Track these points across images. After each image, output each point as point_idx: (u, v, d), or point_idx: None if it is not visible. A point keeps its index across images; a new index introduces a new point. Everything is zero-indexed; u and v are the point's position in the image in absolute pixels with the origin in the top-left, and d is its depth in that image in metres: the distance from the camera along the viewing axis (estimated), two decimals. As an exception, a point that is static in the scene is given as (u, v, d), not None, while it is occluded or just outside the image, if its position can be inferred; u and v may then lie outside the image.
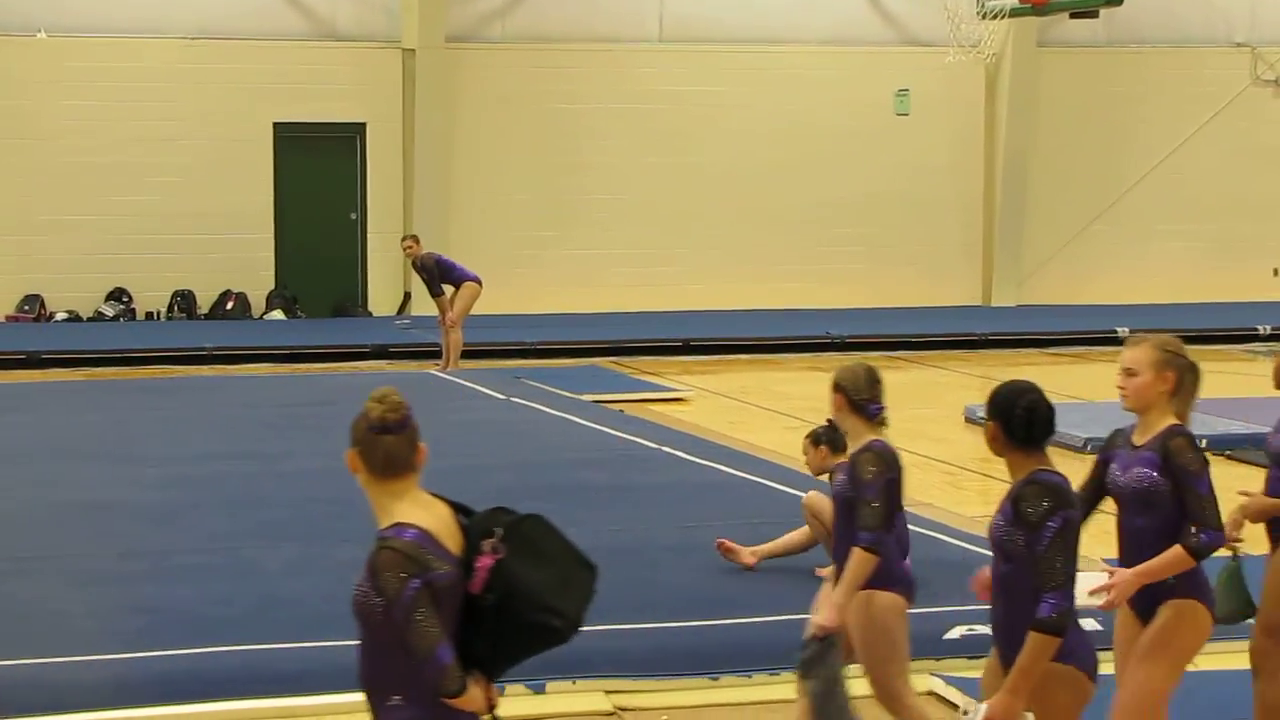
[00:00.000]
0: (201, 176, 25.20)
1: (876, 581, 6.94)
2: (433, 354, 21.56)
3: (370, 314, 26.16)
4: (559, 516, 11.74)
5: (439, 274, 20.34)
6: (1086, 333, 24.43)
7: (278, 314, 25.67)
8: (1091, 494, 6.48)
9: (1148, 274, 28.17)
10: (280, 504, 12.66)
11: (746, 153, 26.96)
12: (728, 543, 10.66)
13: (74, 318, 25.09)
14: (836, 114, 27.23)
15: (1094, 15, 24.83)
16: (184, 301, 25.49)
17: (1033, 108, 27.95)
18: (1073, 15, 24.83)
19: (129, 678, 8.53)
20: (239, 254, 25.56)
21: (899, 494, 7.02)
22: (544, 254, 26.35)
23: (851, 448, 7.08)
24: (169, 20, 25.25)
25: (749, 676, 8.69)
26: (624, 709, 8.58)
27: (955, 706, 8.11)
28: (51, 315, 25.05)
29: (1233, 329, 24.76)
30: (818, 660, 6.93)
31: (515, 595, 4.91)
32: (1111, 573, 6.26)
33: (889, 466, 6.94)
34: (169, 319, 25.44)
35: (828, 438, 10.26)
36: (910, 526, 11.06)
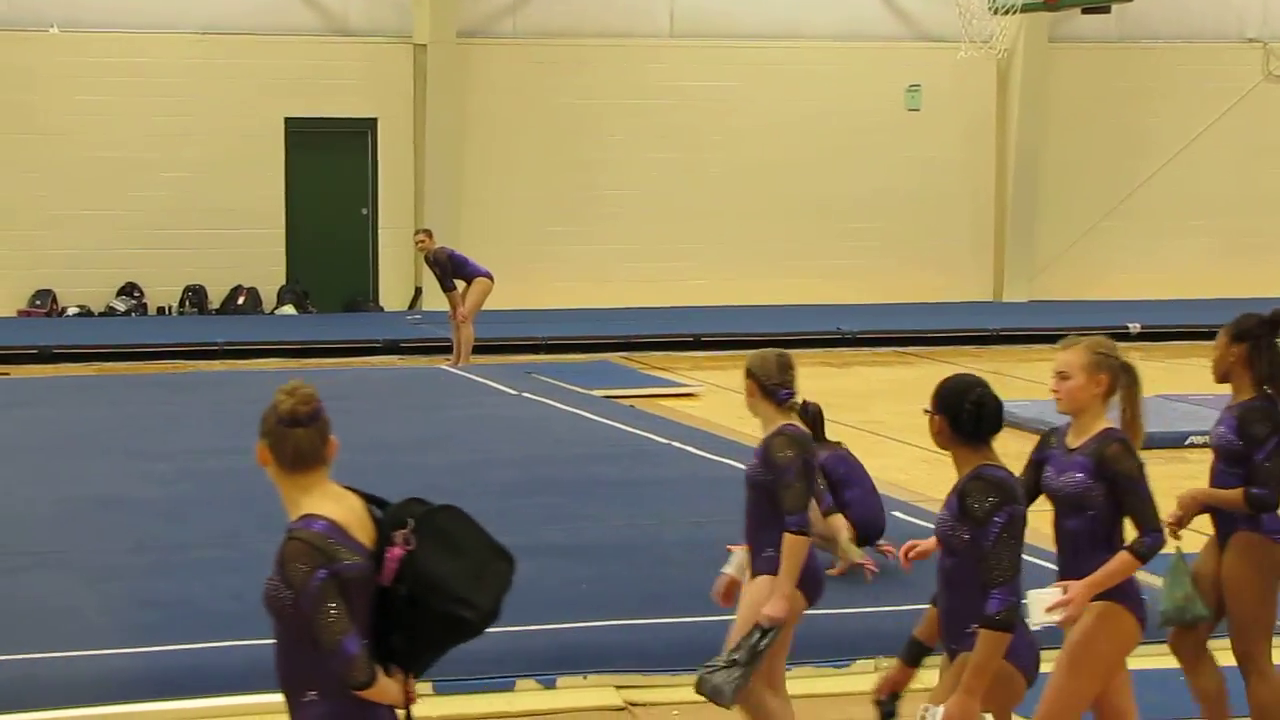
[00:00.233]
0: (213, 172, 25.22)
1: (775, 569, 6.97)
2: (444, 349, 21.57)
3: (381, 309, 26.17)
4: (570, 511, 11.78)
5: (451, 269, 20.34)
6: (1098, 328, 24.09)
7: (289, 309, 25.69)
8: (1026, 494, 6.46)
9: (1159, 269, 28.14)
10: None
11: (758, 148, 26.94)
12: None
13: (85, 313, 25.12)
14: (848, 109, 27.21)
15: (1106, 10, 24.82)
16: (195, 296, 25.51)
17: (1044, 103, 27.93)
18: (1085, 10, 24.82)
19: (141, 672, 8.55)
20: (250, 249, 25.58)
21: (815, 476, 7.09)
22: (555, 249, 26.35)
23: (764, 433, 7.11)
24: (181, 16, 25.27)
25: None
26: (635, 704, 8.59)
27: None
28: (63, 310, 25.08)
29: (1244, 325, 24.71)
30: (757, 655, 6.91)
31: (426, 586, 4.87)
32: (1065, 588, 6.23)
33: (803, 449, 7.00)
34: (180, 314, 25.46)
35: (802, 420, 10.39)
36: (922, 522, 11.11)
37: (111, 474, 13.55)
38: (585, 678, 8.63)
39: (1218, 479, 7.27)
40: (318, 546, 4.78)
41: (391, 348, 23.04)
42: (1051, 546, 6.32)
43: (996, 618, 5.63)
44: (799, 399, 7.21)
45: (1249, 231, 28.62)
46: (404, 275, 26.16)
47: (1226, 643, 7.37)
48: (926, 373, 21.23)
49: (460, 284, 20.38)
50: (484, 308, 20.76)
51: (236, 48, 25.34)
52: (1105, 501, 6.28)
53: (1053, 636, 6.43)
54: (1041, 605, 6.17)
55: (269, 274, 25.73)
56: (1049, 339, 25.35)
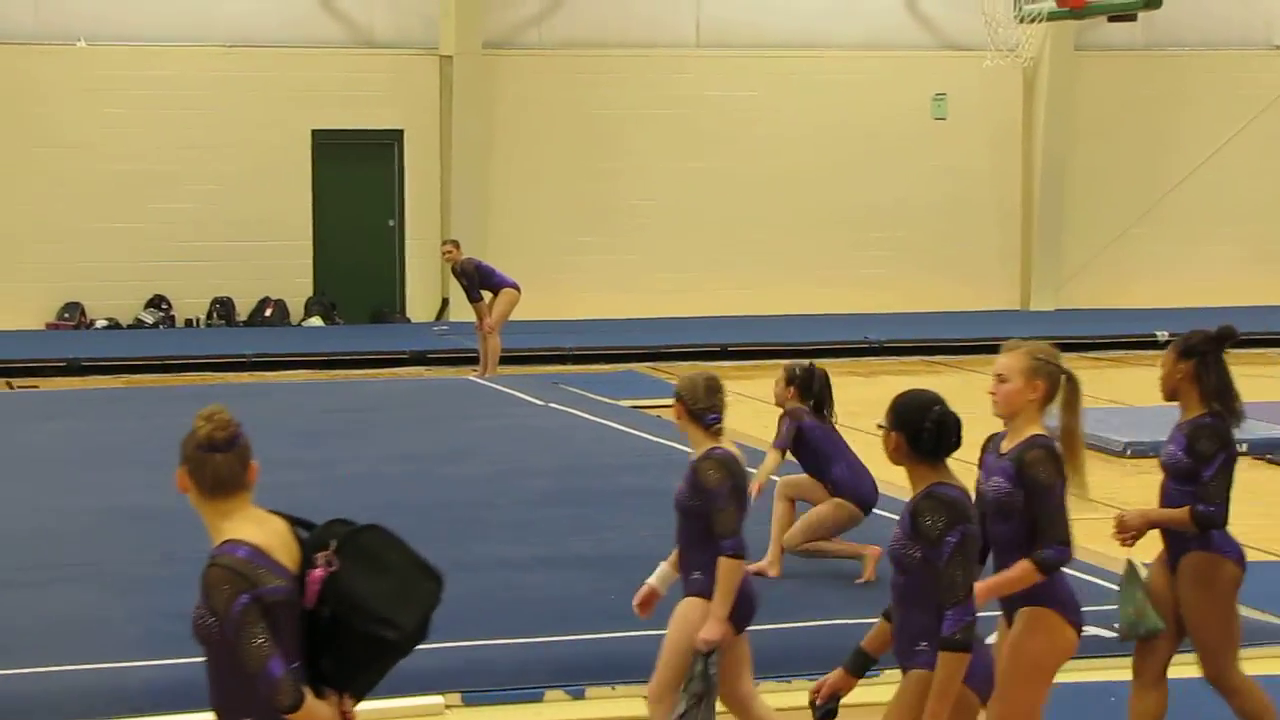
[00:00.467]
0: (240, 184, 25.29)
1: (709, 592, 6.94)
2: (471, 360, 21.60)
3: (408, 320, 26.21)
4: (597, 521, 11.77)
5: (478, 279, 20.35)
6: (1125, 337, 24.35)
7: (316, 320, 25.75)
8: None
9: (1187, 278, 28.06)
10: (321, 510, 12.61)
11: (783, 158, 26.94)
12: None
13: (114, 325, 25.19)
14: (874, 119, 27.20)
15: (1132, 18, 24.73)
16: (223, 308, 25.58)
17: (1071, 111, 27.89)
18: (1111, 18, 24.74)
19: (170, 684, 8.56)
20: (278, 261, 25.64)
21: (746, 497, 7.03)
22: (581, 259, 26.37)
23: (693, 456, 7.08)
24: (207, 29, 25.35)
25: (788, 682, 8.68)
26: (663, 714, 8.57)
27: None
28: (92, 323, 25.16)
29: (1273, 333, 24.64)
30: (710, 681, 6.89)
31: (348, 607, 4.84)
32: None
33: (732, 471, 6.95)
34: (208, 326, 25.53)
35: (801, 381, 10.44)
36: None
37: (140, 486, 13.57)
38: (614, 688, 8.63)
39: (1169, 498, 7.19)
40: (240, 572, 4.76)
41: (418, 359, 23.08)
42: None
43: (953, 638, 5.54)
44: (722, 424, 7.12)
45: (1277, 239, 28.55)
46: (431, 286, 26.20)
47: (1192, 657, 7.31)
48: (954, 382, 21.19)
49: (487, 295, 20.39)
50: (511, 318, 20.77)
51: (263, 60, 25.42)
52: (1024, 509, 6.25)
53: None
54: None
55: (296, 286, 25.80)
56: (1077, 348, 25.36)
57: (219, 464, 4.92)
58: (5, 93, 24.61)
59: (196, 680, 8.52)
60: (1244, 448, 15.41)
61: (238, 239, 25.33)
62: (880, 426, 5.87)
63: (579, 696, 8.61)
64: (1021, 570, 6.21)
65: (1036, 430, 6.37)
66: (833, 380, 10.99)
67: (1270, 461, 14.83)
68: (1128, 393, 18.81)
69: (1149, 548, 7.33)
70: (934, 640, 5.61)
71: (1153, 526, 7.20)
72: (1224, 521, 7.11)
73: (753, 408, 18.90)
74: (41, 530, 12.06)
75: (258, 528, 4.90)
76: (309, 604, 4.84)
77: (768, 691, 8.65)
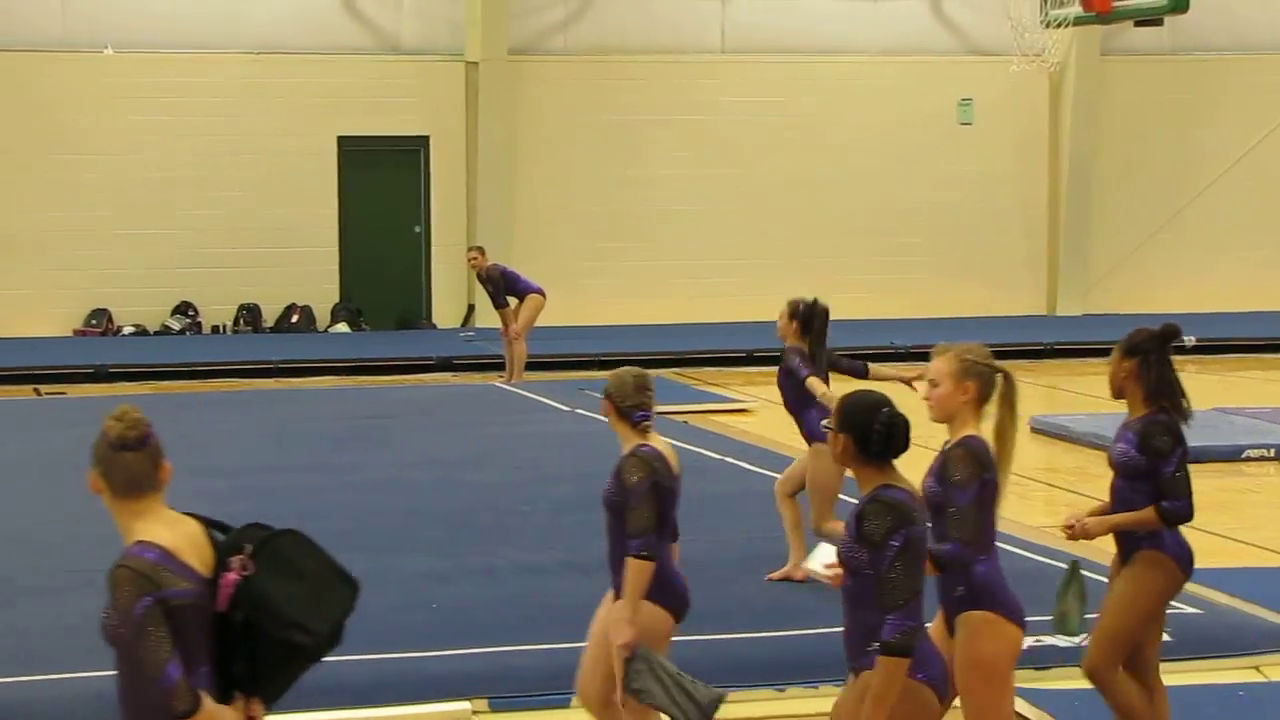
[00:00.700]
0: (266, 190, 25.35)
1: (647, 593, 6.89)
2: (497, 366, 21.61)
3: (435, 326, 26.24)
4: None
5: (504, 286, 20.37)
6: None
7: (343, 327, 25.78)
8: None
9: (1214, 283, 27.99)
10: (347, 516, 12.70)
11: (809, 163, 26.93)
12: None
13: (141, 331, 25.26)
14: (899, 124, 27.18)
15: (1159, 23, 24.67)
16: (249, 315, 25.62)
17: (1097, 116, 27.83)
18: (1137, 23, 24.68)
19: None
20: (304, 267, 25.69)
21: (665, 498, 6.96)
22: (607, 265, 26.39)
23: (622, 453, 7.04)
24: (234, 36, 25.42)
25: (815, 688, 8.65)
26: (691, 720, 8.56)
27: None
28: (119, 329, 25.23)
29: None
30: (642, 675, 6.87)
31: (261, 612, 4.82)
32: None
33: (654, 471, 6.92)
34: (234, 332, 25.58)
35: (803, 315, 10.43)
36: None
37: (167, 492, 13.60)
38: (641, 694, 8.61)
39: (1119, 495, 7.14)
40: (144, 574, 4.72)
41: (444, 365, 23.10)
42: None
43: (892, 642, 5.48)
44: (651, 422, 7.10)
45: (1305, 243, 28.47)
46: (457, 292, 26.23)
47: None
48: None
49: (513, 300, 20.41)
50: (536, 324, 20.79)
51: (290, 67, 25.48)
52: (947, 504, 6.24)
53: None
54: (823, 559, 6.07)
55: (323, 292, 25.84)
56: (1103, 353, 25.19)
57: (130, 463, 4.91)
58: (33, 100, 24.69)
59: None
60: (1271, 452, 15.47)
61: (264, 245, 25.39)
62: (827, 428, 5.80)
63: (606, 702, 8.59)
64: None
65: (971, 431, 6.37)
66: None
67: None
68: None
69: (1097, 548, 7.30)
70: None
71: (1116, 531, 7.15)
72: (1191, 514, 7.06)
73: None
74: (66, 537, 12.08)
75: (169, 529, 4.87)
76: (221, 608, 4.81)
77: (762, 700, 8.66)
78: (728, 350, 23.87)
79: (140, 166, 24.91)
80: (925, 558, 5.64)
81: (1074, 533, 7.17)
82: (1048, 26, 23.64)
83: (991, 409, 6.48)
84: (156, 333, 25.29)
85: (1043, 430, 16.22)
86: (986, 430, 6.42)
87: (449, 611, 9.86)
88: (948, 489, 6.24)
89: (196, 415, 18.64)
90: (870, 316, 26.61)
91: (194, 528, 4.93)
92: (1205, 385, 21.36)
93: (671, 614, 7.01)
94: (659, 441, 7.06)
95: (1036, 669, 8.62)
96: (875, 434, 5.64)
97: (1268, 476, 15.05)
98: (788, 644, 9.30)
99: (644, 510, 6.84)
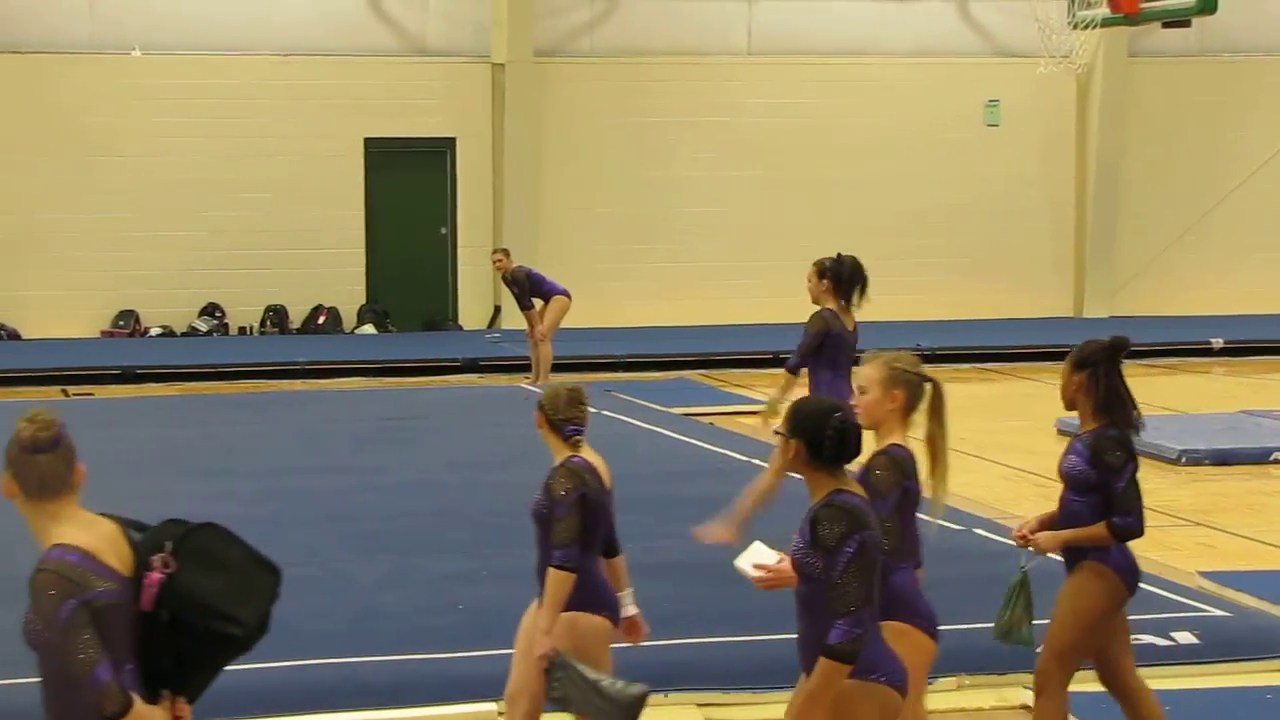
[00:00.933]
0: (293, 192, 25.41)
1: (582, 604, 6.89)
2: (523, 367, 21.61)
3: (461, 328, 26.28)
4: (650, 529, 11.74)
5: (529, 287, 20.35)
6: (1180, 344, 24.15)
7: (369, 328, 25.82)
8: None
9: (1242, 285, 27.91)
10: (374, 517, 12.73)
11: (835, 165, 26.92)
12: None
13: (168, 333, 25.32)
14: (926, 125, 27.16)
15: (1186, 24, 24.63)
16: (276, 316, 25.68)
17: (1124, 118, 27.78)
18: (1165, 24, 24.64)
19: (224, 691, 8.54)
20: (330, 269, 25.74)
21: (594, 510, 6.93)
22: (633, 267, 26.40)
23: (553, 465, 7.03)
24: (261, 38, 25.48)
25: (765, 693, 8.63)
26: (716, 722, 8.57)
27: None
28: (146, 330, 25.30)
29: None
30: (562, 684, 6.85)
31: (189, 607, 4.81)
32: (783, 559, 5.94)
33: (581, 482, 6.90)
34: (261, 334, 25.64)
35: (832, 273, 10.28)
36: (1005, 539, 11.05)
37: (194, 493, 13.63)
38: (666, 695, 8.61)
39: (1067, 508, 7.10)
40: (66, 576, 4.69)
41: (471, 366, 23.12)
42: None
43: (836, 648, 5.45)
44: (583, 436, 7.04)
45: (1333, 245, 28.38)
46: (483, 294, 26.25)
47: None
48: (1007, 389, 21.13)
49: (538, 302, 20.40)
50: (562, 325, 20.77)
51: (316, 69, 25.54)
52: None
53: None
54: (755, 558, 6.02)
55: (349, 293, 25.89)
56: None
57: (43, 465, 4.85)
58: (61, 102, 24.77)
59: (249, 687, 8.58)
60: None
61: (291, 247, 25.44)
62: (778, 434, 5.74)
63: (631, 704, 8.59)
64: None
65: (897, 440, 6.37)
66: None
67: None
68: (1182, 400, 18.71)
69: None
70: None
71: (1066, 545, 7.08)
72: (1141, 530, 7.01)
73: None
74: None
75: (86, 531, 4.85)
76: (146, 607, 4.81)
77: (784, 702, 8.62)
78: (752, 352, 23.84)
79: (168, 168, 24.97)
80: (878, 564, 5.58)
81: (1024, 544, 7.15)
82: (1075, 28, 23.61)
83: (921, 418, 6.46)
84: (183, 334, 25.36)
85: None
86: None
87: (475, 613, 9.86)
88: (872, 496, 6.15)
89: (223, 416, 18.69)
90: (896, 318, 26.57)
91: (110, 528, 4.93)
92: (1233, 388, 21.31)
93: (611, 622, 7.00)
94: (591, 454, 7.03)
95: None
96: (828, 439, 5.58)
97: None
98: (749, 648, 9.27)
99: (569, 521, 6.83)
